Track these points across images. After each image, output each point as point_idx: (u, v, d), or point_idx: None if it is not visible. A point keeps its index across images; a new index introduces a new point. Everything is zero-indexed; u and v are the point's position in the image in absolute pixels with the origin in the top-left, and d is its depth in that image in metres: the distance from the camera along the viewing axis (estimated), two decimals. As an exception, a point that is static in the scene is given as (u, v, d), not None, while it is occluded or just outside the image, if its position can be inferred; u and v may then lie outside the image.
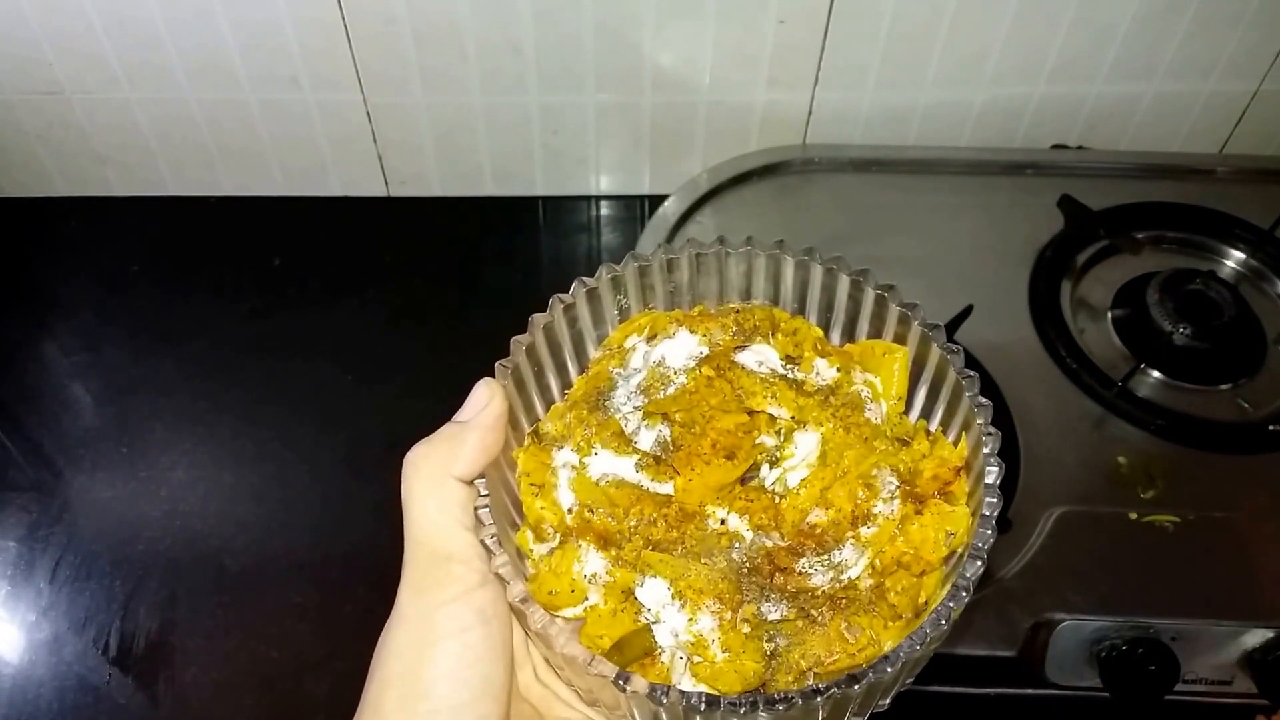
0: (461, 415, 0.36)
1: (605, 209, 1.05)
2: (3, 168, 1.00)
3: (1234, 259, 0.91)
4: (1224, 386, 0.82)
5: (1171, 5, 0.89)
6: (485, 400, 0.36)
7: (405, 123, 0.96)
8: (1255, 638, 0.68)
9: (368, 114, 0.95)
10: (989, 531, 0.34)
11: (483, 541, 0.34)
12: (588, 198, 1.05)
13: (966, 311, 0.81)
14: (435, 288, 0.98)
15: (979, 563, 0.33)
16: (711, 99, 0.95)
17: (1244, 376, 0.82)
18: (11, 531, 0.80)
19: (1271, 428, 0.78)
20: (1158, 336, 0.82)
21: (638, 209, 1.04)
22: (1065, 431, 0.78)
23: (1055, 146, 1.00)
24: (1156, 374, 0.82)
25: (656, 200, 0.95)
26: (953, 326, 0.80)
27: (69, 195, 1.03)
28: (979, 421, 0.36)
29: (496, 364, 0.38)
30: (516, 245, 1.02)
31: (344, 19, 0.87)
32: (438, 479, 0.35)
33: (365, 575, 0.77)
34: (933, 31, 0.90)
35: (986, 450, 0.35)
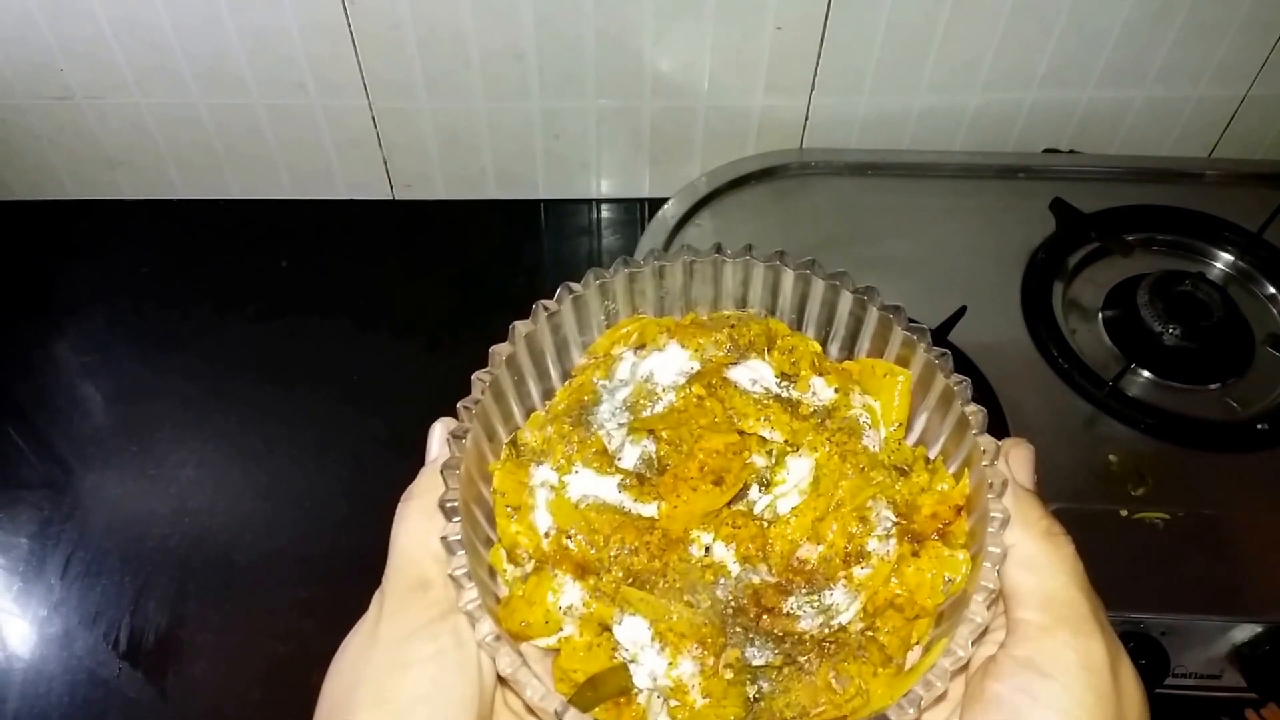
0: (430, 457, 0.37)
1: (606, 212, 1.06)
2: (15, 171, 1.02)
3: (1223, 261, 0.92)
4: (1213, 386, 0.83)
5: (1161, 12, 0.91)
6: (442, 436, 0.37)
7: (410, 127, 0.98)
8: (1244, 633, 0.70)
9: (373, 119, 0.97)
10: (991, 587, 0.32)
11: (451, 575, 0.33)
12: (588, 201, 1.06)
13: (960, 312, 0.82)
14: (438, 289, 0.99)
15: (978, 620, 0.31)
16: (710, 104, 0.96)
17: (1233, 376, 0.83)
18: (23, 528, 0.82)
19: (1259, 426, 0.79)
20: (1148, 337, 0.83)
21: (638, 212, 1.06)
22: (1057, 430, 0.79)
23: (1047, 150, 1.01)
24: (1147, 374, 0.83)
25: (656, 203, 0.97)
26: (947, 327, 0.82)
27: (80, 198, 1.04)
28: (984, 463, 0.34)
29: (474, 376, 0.37)
30: (518, 247, 1.03)
31: (350, 25, 0.88)
32: (428, 511, 0.35)
33: (371, 571, 0.78)
34: (927, 38, 0.91)
35: (991, 495, 0.33)
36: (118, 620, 0.77)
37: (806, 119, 0.98)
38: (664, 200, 0.95)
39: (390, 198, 1.05)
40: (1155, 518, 0.74)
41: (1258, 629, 0.69)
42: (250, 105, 0.95)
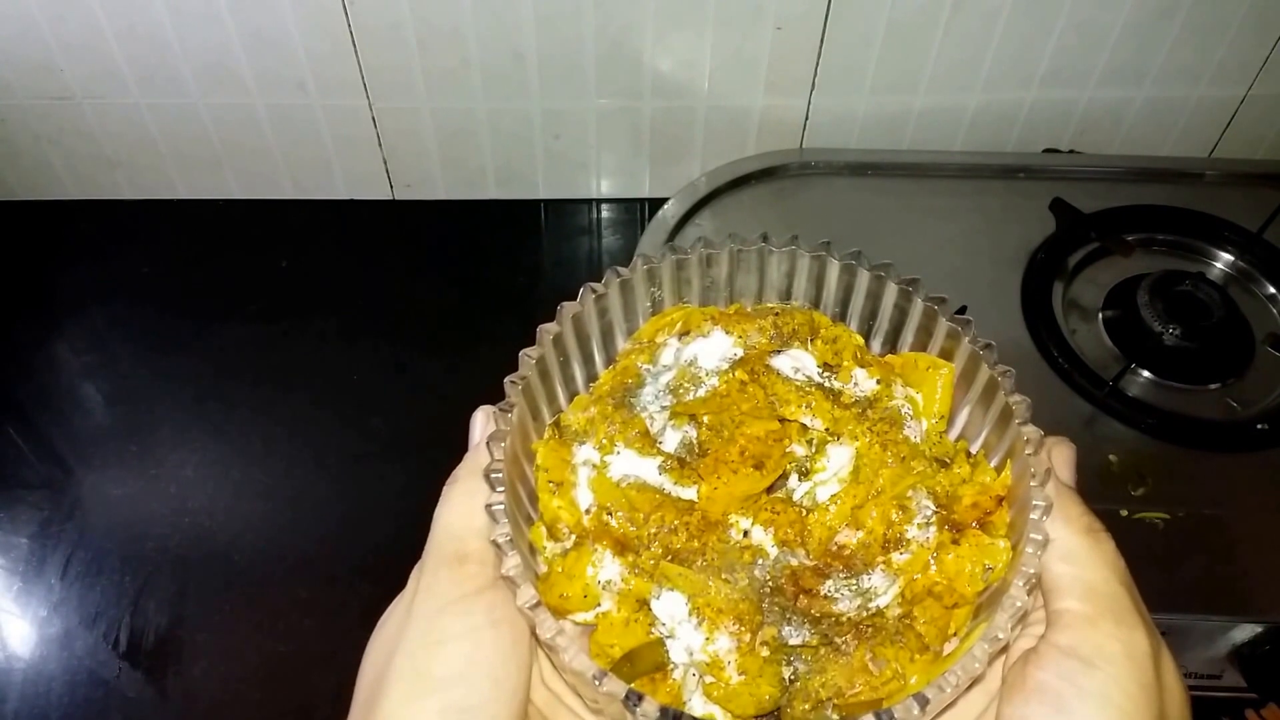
0: (473, 443, 0.37)
1: (606, 212, 1.06)
2: (15, 172, 1.02)
3: (1223, 261, 0.92)
4: (1213, 386, 0.83)
5: (1162, 12, 0.91)
6: (484, 424, 0.37)
7: (410, 127, 0.98)
8: (1244, 633, 0.70)
9: (373, 119, 0.97)
10: (1032, 572, 0.32)
11: (494, 541, 0.33)
12: (588, 201, 1.06)
13: (961, 312, 0.82)
14: (439, 289, 0.99)
15: (1019, 604, 0.31)
16: (710, 104, 0.96)
17: (1232, 376, 0.83)
18: (23, 528, 0.82)
19: (1259, 426, 0.79)
20: (1148, 337, 0.83)
21: (638, 212, 1.06)
22: (1057, 430, 0.78)
23: (1047, 150, 1.02)
24: (1147, 374, 0.83)
25: (656, 203, 0.97)
26: (947, 327, 0.82)
27: (80, 198, 1.04)
28: (1027, 452, 0.34)
29: (521, 353, 0.37)
30: (519, 247, 1.03)
31: (350, 25, 0.88)
32: (472, 491, 0.35)
33: (371, 571, 0.79)
34: (927, 38, 0.92)
35: (1034, 483, 0.33)
36: (118, 620, 0.77)
37: (806, 119, 0.98)
38: (664, 200, 0.95)
39: (390, 198, 1.05)
40: (1155, 518, 0.74)
41: (1258, 629, 0.69)
42: (250, 105, 0.95)
